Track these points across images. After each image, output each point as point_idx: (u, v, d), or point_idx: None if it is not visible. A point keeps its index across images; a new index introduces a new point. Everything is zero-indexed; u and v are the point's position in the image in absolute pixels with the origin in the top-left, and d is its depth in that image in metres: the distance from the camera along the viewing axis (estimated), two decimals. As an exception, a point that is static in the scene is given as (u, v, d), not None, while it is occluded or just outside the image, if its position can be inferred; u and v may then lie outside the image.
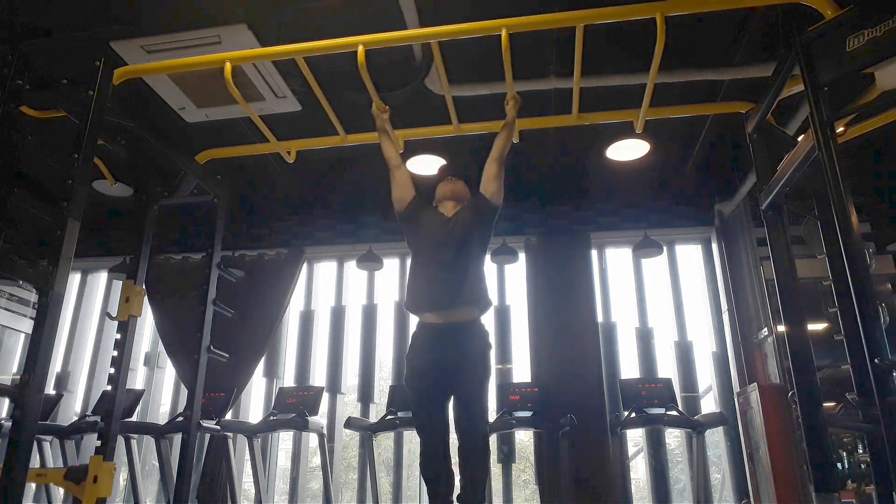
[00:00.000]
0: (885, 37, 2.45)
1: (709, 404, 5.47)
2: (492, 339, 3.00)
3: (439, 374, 2.86)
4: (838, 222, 2.49)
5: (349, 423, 4.80)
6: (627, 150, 5.12)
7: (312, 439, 5.65)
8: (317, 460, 6.13)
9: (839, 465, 4.44)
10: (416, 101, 4.09)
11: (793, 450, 4.21)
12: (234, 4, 3.49)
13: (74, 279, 6.53)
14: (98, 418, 4.05)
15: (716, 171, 5.47)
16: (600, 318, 5.50)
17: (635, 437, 6.22)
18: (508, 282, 5.86)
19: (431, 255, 2.98)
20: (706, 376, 5.51)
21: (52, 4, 3.53)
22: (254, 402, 5.96)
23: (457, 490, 2.82)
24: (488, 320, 3.03)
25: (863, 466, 4.38)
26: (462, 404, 2.85)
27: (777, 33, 3.58)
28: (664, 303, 5.71)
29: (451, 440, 2.92)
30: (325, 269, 6.34)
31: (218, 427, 4.89)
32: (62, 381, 6.09)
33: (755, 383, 4.65)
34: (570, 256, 5.62)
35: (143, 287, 3.50)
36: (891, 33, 2.43)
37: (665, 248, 5.59)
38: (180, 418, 4.65)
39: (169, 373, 6.12)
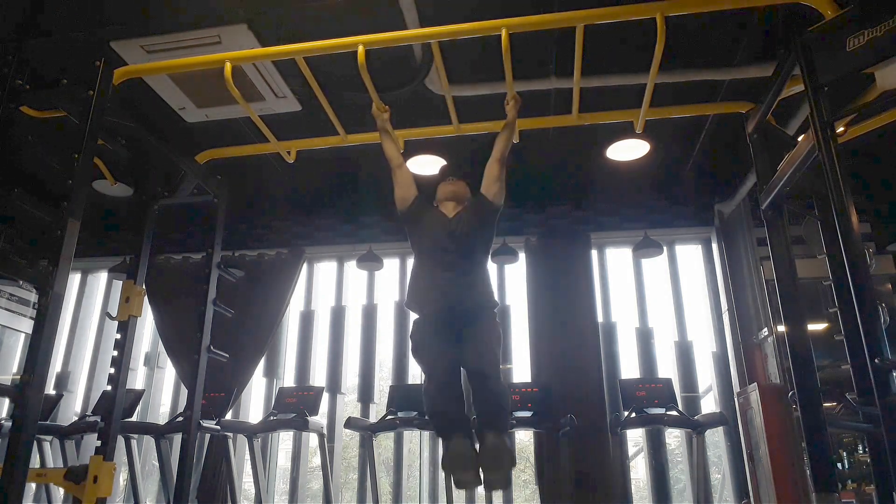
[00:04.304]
0: (885, 37, 2.45)
1: (709, 404, 5.47)
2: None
3: (449, 330, 2.80)
4: (838, 222, 2.49)
5: (349, 423, 4.80)
6: (627, 150, 5.11)
7: (312, 439, 5.66)
8: (317, 460, 6.13)
9: (839, 465, 4.44)
10: (416, 101, 4.09)
11: (793, 450, 4.21)
12: (234, 4, 3.49)
13: (74, 279, 6.53)
14: (98, 418, 4.05)
15: (716, 171, 5.47)
16: (600, 318, 5.50)
17: (635, 437, 6.22)
18: (508, 282, 5.86)
19: (434, 256, 2.96)
20: (706, 376, 5.51)
21: (52, 4, 3.53)
22: (254, 402, 5.96)
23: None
24: (488, 320, 3.02)
25: (863, 466, 4.38)
26: (475, 354, 2.75)
27: (777, 33, 3.58)
28: (664, 303, 5.72)
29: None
30: (325, 269, 6.34)
31: (218, 427, 4.89)
32: (62, 381, 6.09)
33: (755, 383, 4.65)
34: (570, 256, 5.62)
35: (143, 287, 3.50)
36: (891, 33, 2.43)
37: (665, 248, 5.59)
38: (180, 418, 4.66)
39: (169, 373, 6.12)
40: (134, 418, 5.12)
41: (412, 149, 4.67)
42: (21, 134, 4.23)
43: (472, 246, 2.97)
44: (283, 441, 6.08)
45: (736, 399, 5.03)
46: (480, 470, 2.66)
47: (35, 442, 3.54)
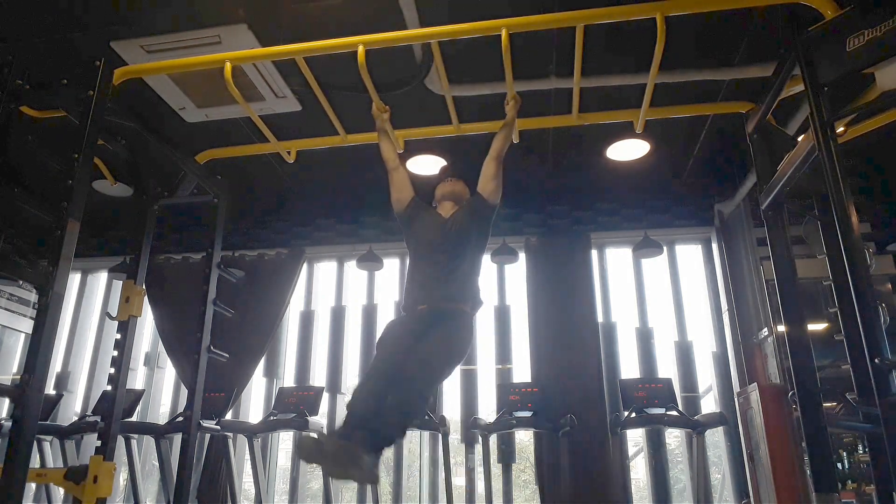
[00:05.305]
0: (885, 37, 2.45)
1: (709, 404, 5.47)
2: (480, 339, 2.93)
3: (412, 334, 2.75)
4: (838, 222, 2.49)
5: (349, 423, 4.79)
6: (627, 150, 5.12)
7: (312, 439, 5.64)
8: (317, 460, 6.11)
9: (839, 465, 4.44)
10: (416, 101, 4.09)
11: (793, 450, 4.20)
12: (234, 4, 3.49)
13: (74, 279, 6.53)
14: (98, 418, 4.05)
15: (716, 171, 5.47)
16: (600, 318, 5.50)
17: (635, 437, 6.21)
18: (508, 282, 5.85)
19: (427, 256, 2.97)
20: (706, 376, 5.51)
21: (52, 4, 3.53)
22: (254, 402, 5.96)
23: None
24: (488, 320, 3.02)
25: (863, 466, 4.38)
26: (417, 362, 2.65)
27: (777, 33, 3.58)
28: (664, 303, 5.71)
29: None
30: (325, 269, 6.34)
31: (218, 427, 4.89)
32: (62, 381, 6.09)
33: (755, 383, 4.64)
34: (570, 256, 5.62)
35: (143, 287, 3.50)
36: (891, 33, 2.43)
37: (665, 248, 5.59)
38: (180, 418, 4.65)
39: (169, 373, 6.11)
40: (134, 418, 5.12)
41: (412, 149, 4.67)
42: (21, 134, 4.23)
43: (465, 246, 2.96)
44: (283, 441, 6.08)
45: (736, 399, 5.03)
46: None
47: (35, 442, 3.54)
